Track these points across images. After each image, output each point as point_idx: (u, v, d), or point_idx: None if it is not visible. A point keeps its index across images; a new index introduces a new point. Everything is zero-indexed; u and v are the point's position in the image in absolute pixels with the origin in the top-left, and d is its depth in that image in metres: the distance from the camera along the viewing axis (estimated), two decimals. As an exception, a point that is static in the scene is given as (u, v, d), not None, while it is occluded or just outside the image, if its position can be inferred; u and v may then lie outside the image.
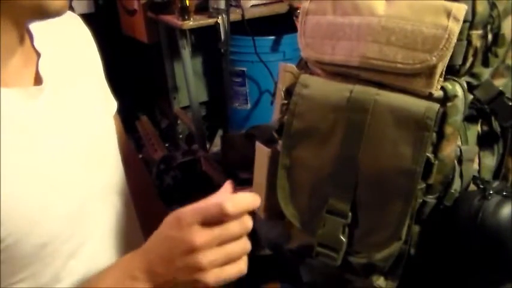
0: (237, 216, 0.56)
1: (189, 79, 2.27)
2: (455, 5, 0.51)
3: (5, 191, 0.59)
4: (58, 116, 0.67)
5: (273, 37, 2.26)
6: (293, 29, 2.14)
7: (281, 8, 2.21)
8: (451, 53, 0.52)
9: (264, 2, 2.24)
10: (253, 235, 0.69)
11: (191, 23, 2.08)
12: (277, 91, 0.63)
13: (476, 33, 0.53)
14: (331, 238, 0.57)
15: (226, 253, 0.57)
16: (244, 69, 2.31)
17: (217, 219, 0.56)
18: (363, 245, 0.57)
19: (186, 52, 2.20)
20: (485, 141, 0.59)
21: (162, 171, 2.34)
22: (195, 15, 2.10)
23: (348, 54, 0.56)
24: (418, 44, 0.52)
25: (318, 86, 0.57)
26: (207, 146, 2.46)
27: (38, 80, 0.67)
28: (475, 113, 0.57)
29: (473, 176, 0.57)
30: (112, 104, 0.86)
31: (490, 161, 0.60)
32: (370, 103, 0.54)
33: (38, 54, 0.68)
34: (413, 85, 0.53)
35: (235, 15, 2.10)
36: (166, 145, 2.56)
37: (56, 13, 0.61)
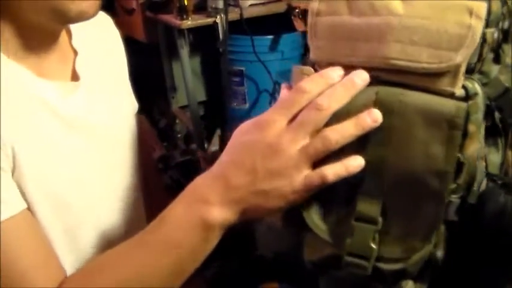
0: (318, 90, 0.52)
1: (187, 78, 2.27)
2: (476, 3, 0.51)
3: (41, 171, 0.63)
4: (91, 113, 0.71)
5: (271, 36, 2.26)
6: (291, 29, 2.14)
7: (279, 8, 2.21)
8: (473, 51, 0.51)
9: (263, 1, 2.24)
10: (252, 238, 0.69)
11: (189, 22, 2.08)
12: None
13: (490, 31, 0.53)
14: (360, 246, 0.55)
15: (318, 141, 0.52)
16: (243, 68, 2.31)
17: (300, 106, 0.52)
18: (394, 252, 0.55)
19: (184, 51, 2.20)
20: (489, 137, 0.58)
21: (160, 171, 2.34)
22: (193, 15, 2.10)
23: (368, 55, 0.54)
24: (442, 43, 0.51)
25: None
26: (205, 145, 2.46)
27: (74, 77, 0.72)
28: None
29: (487, 173, 0.57)
30: (134, 104, 0.89)
31: (495, 157, 0.59)
32: (396, 104, 0.53)
33: (76, 52, 0.73)
34: (438, 85, 0.52)
35: (234, 15, 2.10)
36: (165, 144, 2.56)
37: (77, 18, 0.62)
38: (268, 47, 2.27)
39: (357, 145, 0.54)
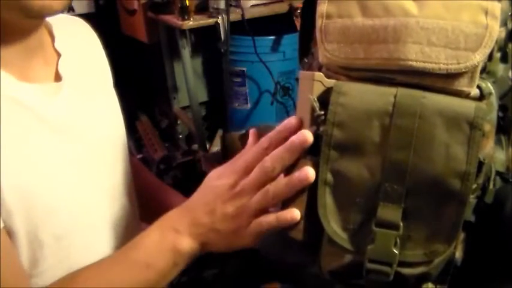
0: (275, 146, 0.58)
1: (189, 79, 2.28)
2: (490, 2, 0.51)
3: (23, 179, 0.62)
4: (76, 113, 0.71)
5: (273, 37, 2.26)
6: (293, 29, 2.14)
7: (281, 8, 2.21)
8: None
9: (264, 2, 2.24)
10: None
11: (191, 23, 2.08)
12: (301, 102, 0.58)
13: (500, 31, 0.53)
14: (382, 252, 0.54)
15: (267, 192, 0.58)
16: (244, 69, 2.31)
17: (258, 159, 0.59)
18: (417, 255, 0.55)
19: (186, 52, 2.20)
20: (497, 135, 0.58)
21: (162, 171, 2.34)
22: (195, 15, 2.10)
23: (384, 57, 0.54)
24: (460, 43, 0.51)
25: (357, 93, 0.54)
26: (207, 146, 2.46)
27: (57, 78, 0.72)
28: None
29: (498, 171, 0.57)
30: (118, 107, 0.87)
31: (500, 155, 0.59)
32: (418, 106, 0.52)
33: (59, 55, 0.73)
34: (456, 85, 0.52)
35: (235, 15, 2.10)
36: (166, 145, 2.56)
37: (41, 12, 0.62)
38: (270, 48, 2.27)
39: (379, 150, 0.54)
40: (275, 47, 2.27)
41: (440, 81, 0.52)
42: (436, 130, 0.52)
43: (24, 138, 0.63)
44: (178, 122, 2.64)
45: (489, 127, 0.53)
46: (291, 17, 2.15)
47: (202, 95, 2.72)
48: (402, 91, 0.53)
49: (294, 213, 0.57)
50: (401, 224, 0.54)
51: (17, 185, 0.61)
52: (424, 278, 0.56)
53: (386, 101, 0.53)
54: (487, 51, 0.51)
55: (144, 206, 0.86)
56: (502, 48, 0.55)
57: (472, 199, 0.54)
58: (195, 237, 0.62)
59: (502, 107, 0.57)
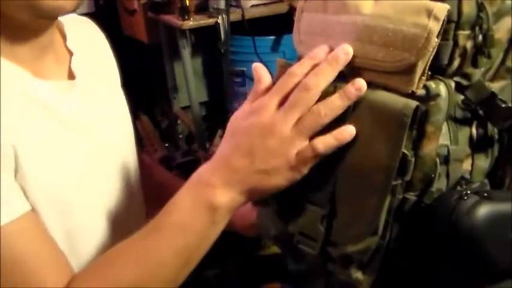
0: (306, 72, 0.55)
1: (189, 79, 2.28)
2: (438, 4, 0.51)
3: (39, 173, 0.62)
4: (89, 111, 0.72)
5: (273, 37, 2.26)
6: (293, 29, 2.14)
7: (281, 8, 2.22)
8: (432, 52, 0.52)
9: (264, 2, 2.24)
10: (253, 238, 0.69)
11: (191, 23, 2.08)
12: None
13: (463, 34, 0.53)
14: (310, 227, 0.58)
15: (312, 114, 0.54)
16: (244, 69, 2.31)
17: (289, 88, 0.56)
18: (339, 237, 0.57)
19: (186, 52, 2.21)
20: (480, 144, 0.59)
21: (162, 171, 2.34)
22: (195, 15, 2.10)
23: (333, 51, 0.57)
24: (398, 42, 0.52)
25: None
26: (207, 146, 2.46)
27: (71, 76, 0.73)
28: (469, 115, 0.57)
29: (461, 177, 0.57)
30: (126, 107, 0.88)
31: (483, 162, 0.60)
32: None
33: (71, 53, 0.74)
34: (394, 82, 0.54)
35: (235, 15, 2.11)
36: (166, 145, 2.57)
37: (53, 12, 0.62)
38: (270, 48, 2.27)
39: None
40: (275, 47, 2.27)
41: (383, 78, 0.54)
42: (363, 123, 0.54)
43: (39, 133, 0.64)
44: (179, 122, 2.64)
45: (432, 129, 0.53)
46: (291, 17, 2.15)
47: (202, 95, 2.72)
48: (341, 84, 0.55)
49: (349, 129, 0.54)
50: (328, 205, 0.57)
51: (38, 177, 0.62)
52: (348, 260, 0.58)
53: (325, 91, 0.55)
54: (424, 52, 0.51)
55: (161, 202, 0.86)
56: (474, 52, 0.55)
57: (411, 196, 0.55)
58: (233, 187, 0.56)
59: (486, 114, 0.57)
